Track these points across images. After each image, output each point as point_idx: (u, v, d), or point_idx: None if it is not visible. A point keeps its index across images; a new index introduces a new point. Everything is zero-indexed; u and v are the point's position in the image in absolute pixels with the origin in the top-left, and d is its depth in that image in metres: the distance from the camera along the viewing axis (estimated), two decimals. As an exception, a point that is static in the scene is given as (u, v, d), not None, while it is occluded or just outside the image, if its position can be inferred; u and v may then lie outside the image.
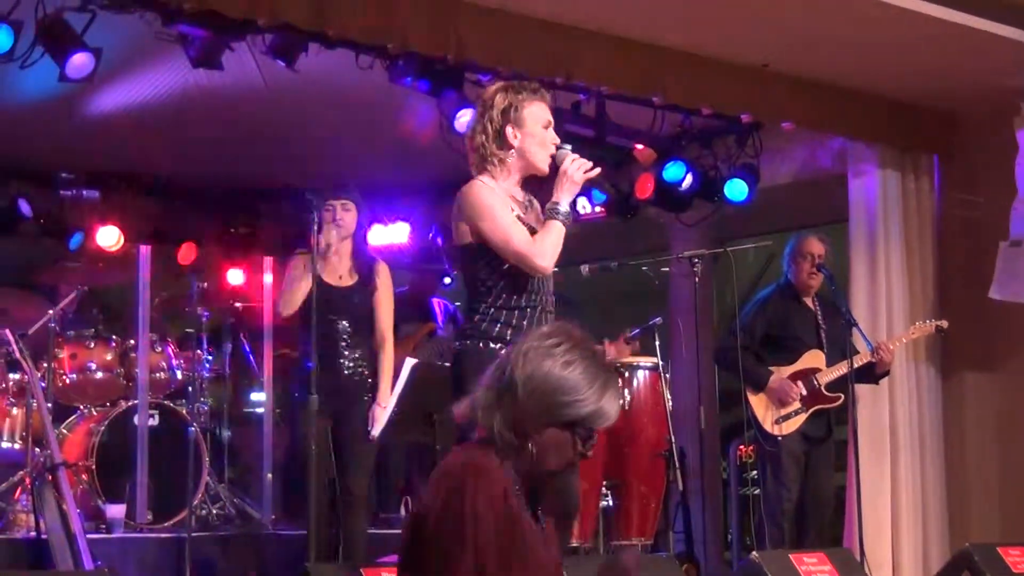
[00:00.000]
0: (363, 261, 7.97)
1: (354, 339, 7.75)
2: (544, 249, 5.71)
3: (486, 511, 3.34)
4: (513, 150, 5.84)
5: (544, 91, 5.98)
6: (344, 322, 7.73)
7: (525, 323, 5.70)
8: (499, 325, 5.71)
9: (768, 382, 8.61)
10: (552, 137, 5.88)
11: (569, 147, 5.89)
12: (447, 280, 11.80)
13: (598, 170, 5.88)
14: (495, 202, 5.75)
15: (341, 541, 7.71)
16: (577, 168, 5.78)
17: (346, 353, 7.71)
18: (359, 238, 8.01)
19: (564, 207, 5.78)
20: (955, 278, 9.90)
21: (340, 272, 7.87)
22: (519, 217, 5.78)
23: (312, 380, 7.19)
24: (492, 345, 5.64)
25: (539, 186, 5.97)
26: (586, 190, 6.06)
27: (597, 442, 7.71)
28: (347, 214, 7.86)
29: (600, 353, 3.60)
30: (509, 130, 5.81)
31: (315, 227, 7.44)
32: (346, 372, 7.68)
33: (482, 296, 5.80)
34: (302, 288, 7.67)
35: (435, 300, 11.38)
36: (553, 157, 5.84)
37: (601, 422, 3.53)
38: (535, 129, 5.84)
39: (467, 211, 5.79)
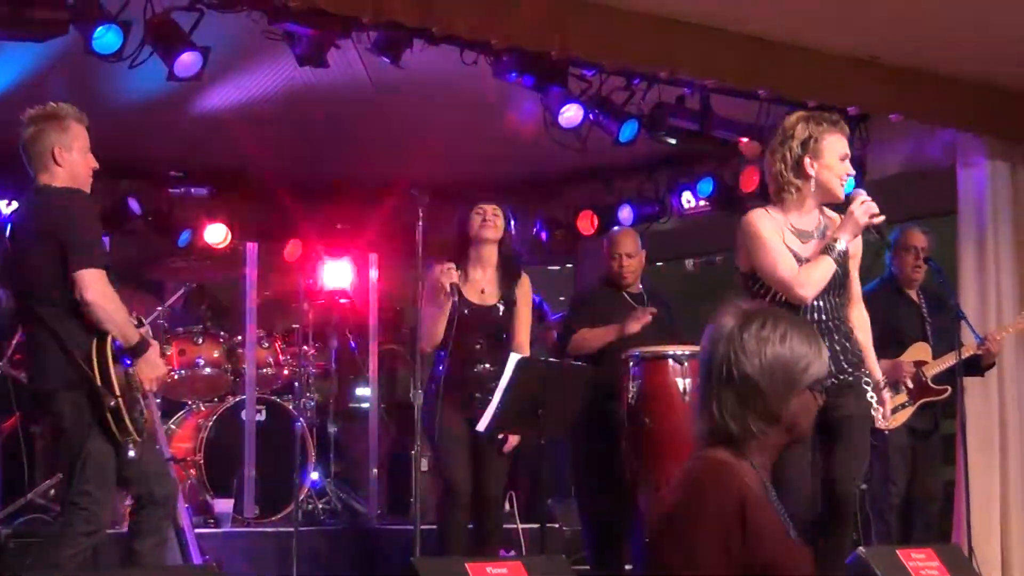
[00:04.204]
0: (510, 275, 7.69)
1: (488, 352, 7.63)
2: (808, 280, 5.95)
3: (723, 505, 3.47)
4: (811, 181, 6.06)
5: (844, 123, 6.19)
6: (479, 339, 7.61)
7: None
8: None
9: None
10: (847, 168, 6.11)
11: (862, 190, 6.10)
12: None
13: (883, 217, 6.06)
14: (768, 230, 6.01)
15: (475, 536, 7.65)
16: (864, 212, 5.98)
17: (477, 365, 7.58)
18: (509, 249, 7.73)
19: (841, 245, 5.99)
20: (1065, 270, 9.78)
21: (483, 286, 7.61)
22: (791, 248, 6.01)
23: (417, 375, 7.24)
24: None
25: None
26: (866, 233, 6.20)
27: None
28: (497, 219, 7.58)
29: (785, 312, 3.79)
30: (807, 160, 6.04)
31: (420, 224, 7.40)
32: (477, 378, 7.57)
33: None
34: (443, 323, 7.41)
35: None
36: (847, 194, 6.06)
37: (826, 370, 3.70)
38: (832, 161, 6.06)
39: (743, 238, 6.09)
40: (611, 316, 8.26)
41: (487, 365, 7.48)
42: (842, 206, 6.14)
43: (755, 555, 3.42)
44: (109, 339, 5.85)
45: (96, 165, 6.17)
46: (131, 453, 5.89)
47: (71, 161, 6.06)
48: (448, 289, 7.34)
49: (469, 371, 7.48)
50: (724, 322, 3.68)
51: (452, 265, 7.45)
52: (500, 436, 7.51)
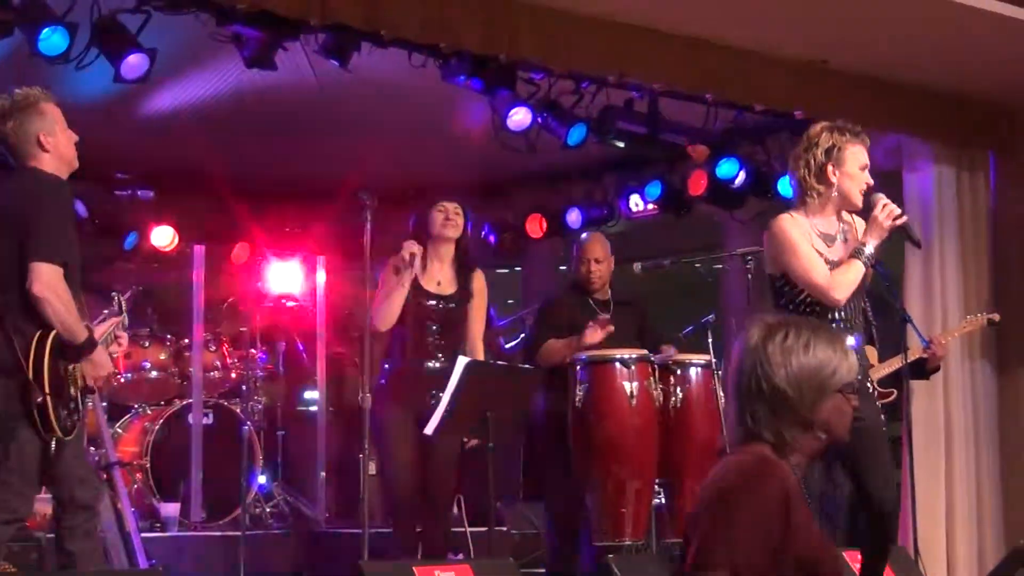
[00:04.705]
0: (466, 269, 7.76)
1: (442, 346, 7.65)
2: (840, 283, 6.19)
3: (768, 496, 3.54)
4: (833, 187, 6.29)
5: (865, 135, 6.41)
6: (434, 329, 7.62)
7: None
8: None
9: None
10: (867, 178, 6.34)
11: (882, 194, 6.34)
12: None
13: (905, 217, 6.33)
14: (798, 236, 6.24)
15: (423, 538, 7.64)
16: (887, 215, 6.25)
17: (432, 359, 7.60)
18: (466, 245, 7.82)
19: (869, 249, 6.27)
20: (1010, 274, 9.84)
21: (440, 278, 7.65)
22: (820, 253, 6.25)
23: (364, 380, 7.22)
24: None
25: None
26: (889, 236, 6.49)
27: (650, 439, 7.78)
28: (458, 217, 7.64)
29: (810, 321, 3.85)
30: (829, 168, 6.28)
31: (368, 226, 7.38)
32: (429, 375, 7.59)
33: None
34: (400, 301, 7.47)
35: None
36: (866, 197, 6.30)
37: (854, 372, 3.75)
38: (853, 170, 6.30)
39: (773, 244, 6.30)
40: (576, 322, 8.28)
41: (439, 363, 7.49)
42: (862, 212, 6.39)
43: (793, 549, 3.50)
44: (53, 334, 5.82)
45: (76, 137, 6.24)
46: (52, 449, 5.87)
47: (56, 144, 6.12)
48: (408, 260, 7.37)
49: (422, 367, 7.50)
50: (749, 336, 3.76)
51: (414, 242, 7.47)
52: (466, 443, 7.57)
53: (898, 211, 6.29)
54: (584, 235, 8.93)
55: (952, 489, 9.54)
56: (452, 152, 10.61)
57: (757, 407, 3.69)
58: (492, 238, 12.10)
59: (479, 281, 7.80)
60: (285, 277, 11.09)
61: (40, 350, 5.80)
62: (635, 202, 11.28)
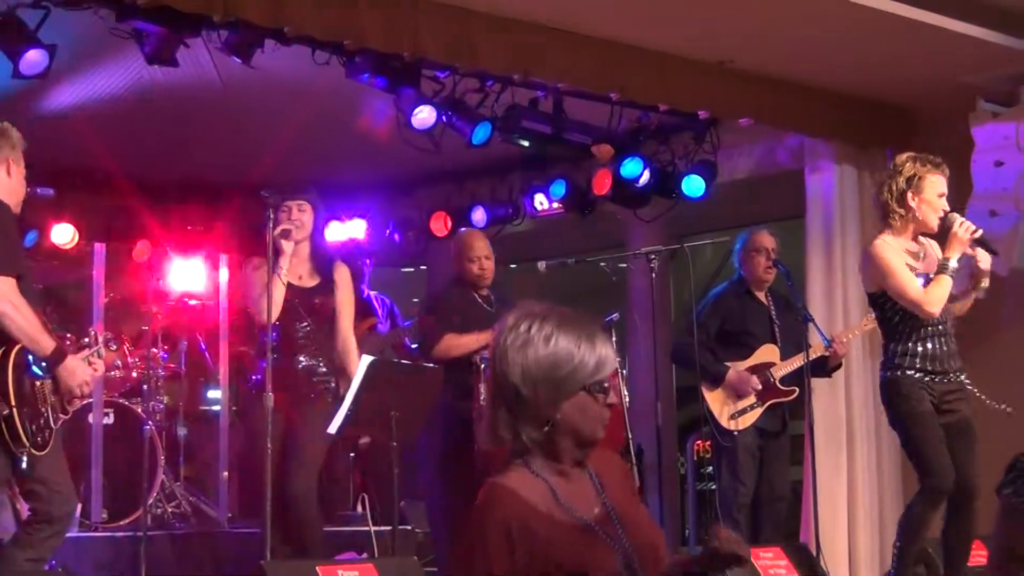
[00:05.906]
0: (323, 262, 7.74)
1: (312, 338, 7.60)
2: (933, 298, 6.93)
3: (490, 529, 3.41)
4: (912, 211, 7.04)
5: (945, 166, 7.17)
6: (303, 322, 7.58)
7: (929, 346, 7.02)
8: (908, 356, 6.98)
9: (726, 376, 8.62)
10: (943, 205, 7.10)
11: (956, 213, 7.09)
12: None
13: (981, 231, 7.05)
14: (895, 259, 6.99)
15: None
16: (965, 231, 7.00)
17: (302, 353, 7.57)
18: (317, 238, 7.83)
19: (953, 263, 6.99)
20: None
21: (300, 272, 7.63)
22: (910, 267, 7.01)
23: (267, 378, 7.15)
24: (907, 372, 6.99)
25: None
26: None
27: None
28: (303, 215, 7.62)
29: (567, 311, 3.55)
30: (909, 195, 7.05)
31: (271, 225, 7.35)
32: (300, 369, 7.54)
33: (892, 331, 7.08)
34: (278, 293, 7.41)
35: (373, 295, 11.28)
36: (943, 220, 7.04)
37: (606, 369, 3.49)
38: (931, 197, 7.07)
39: (872, 266, 7.06)
40: (467, 319, 8.27)
41: (309, 359, 7.48)
42: (937, 235, 7.13)
43: (549, 559, 3.38)
44: (15, 348, 5.78)
45: (26, 192, 6.34)
46: (23, 464, 5.84)
47: (16, 177, 6.31)
48: (280, 236, 7.37)
49: (292, 363, 7.47)
50: (497, 326, 3.55)
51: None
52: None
53: (974, 226, 6.98)
54: (467, 231, 8.94)
55: (854, 486, 9.62)
56: (357, 150, 10.57)
57: (499, 405, 3.49)
58: (396, 236, 12.06)
59: (340, 273, 7.77)
60: (187, 275, 11.01)
61: (4, 364, 5.76)
62: (540, 201, 11.29)
